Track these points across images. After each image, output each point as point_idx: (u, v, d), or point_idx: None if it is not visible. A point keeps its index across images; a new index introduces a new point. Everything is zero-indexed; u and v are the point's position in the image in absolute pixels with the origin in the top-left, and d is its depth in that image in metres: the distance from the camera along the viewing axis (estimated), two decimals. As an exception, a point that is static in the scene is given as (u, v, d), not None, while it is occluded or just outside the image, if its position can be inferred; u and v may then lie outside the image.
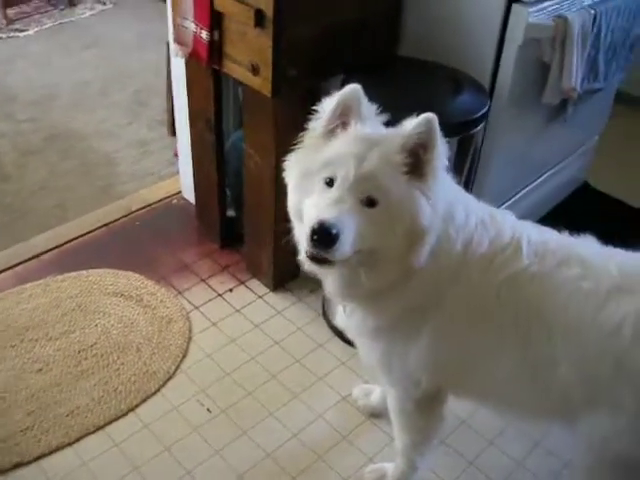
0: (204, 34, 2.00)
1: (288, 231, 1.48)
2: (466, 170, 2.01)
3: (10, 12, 4.54)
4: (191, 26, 2.04)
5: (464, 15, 2.06)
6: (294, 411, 2.02)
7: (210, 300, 2.34)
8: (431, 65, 2.06)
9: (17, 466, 1.87)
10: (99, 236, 2.58)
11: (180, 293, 2.36)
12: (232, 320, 2.28)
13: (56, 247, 2.52)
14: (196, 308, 2.31)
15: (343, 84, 1.52)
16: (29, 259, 2.46)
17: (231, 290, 2.38)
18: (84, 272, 2.41)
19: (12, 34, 4.36)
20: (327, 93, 1.37)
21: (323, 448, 1.93)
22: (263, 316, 2.30)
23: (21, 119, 3.46)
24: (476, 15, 2.04)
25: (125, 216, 2.65)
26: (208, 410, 2.00)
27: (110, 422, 1.97)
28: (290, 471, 1.86)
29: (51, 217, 2.76)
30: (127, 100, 3.66)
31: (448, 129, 1.30)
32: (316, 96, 1.58)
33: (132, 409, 2.01)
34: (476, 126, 1.91)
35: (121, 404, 2.02)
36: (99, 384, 2.07)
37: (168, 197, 2.70)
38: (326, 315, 2.27)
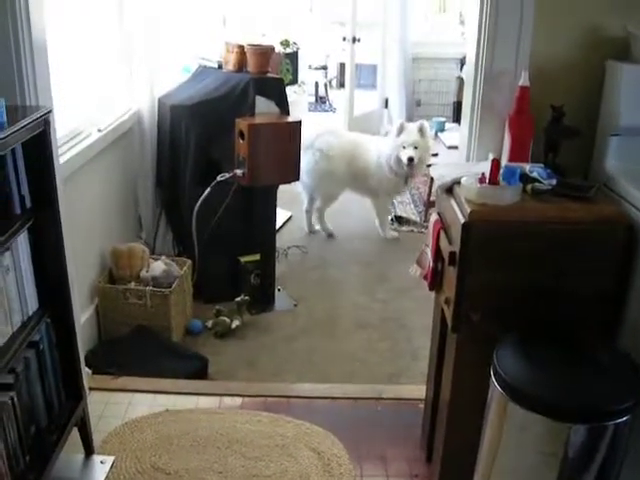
0: (431, 263, 2.32)
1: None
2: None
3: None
4: (428, 253, 2.37)
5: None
6: None
7: (377, 494, 2.52)
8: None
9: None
10: (340, 404, 2.97)
11: (361, 476, 2.58)
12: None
13: (306, 397, 3.00)
14: (362, 495, 2.52)
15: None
16: (282, 396, 2.99)
17: (402, 496, 2.52)
18: (307, 424, 2.80)
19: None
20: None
21: None
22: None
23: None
24: None
25: (374, 398, 2.99)
26: None
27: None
28: None
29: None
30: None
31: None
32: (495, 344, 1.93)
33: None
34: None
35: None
36: (244, 506, 2.43)
37: (417, 400, 2.93)
38: None
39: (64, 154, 3.05)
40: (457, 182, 2.23)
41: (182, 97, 4.00)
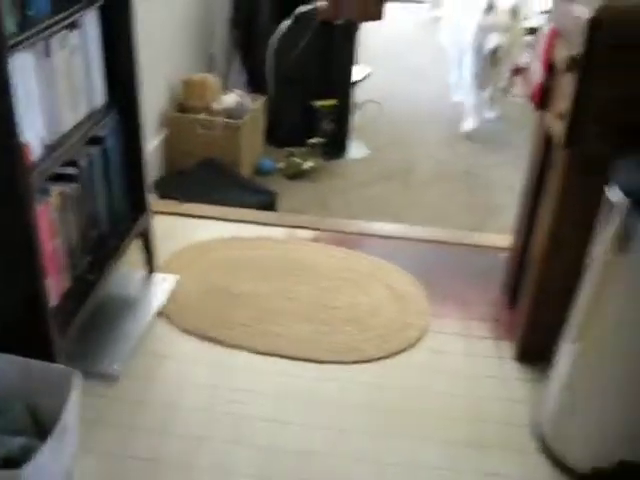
0: (540, 77, 2.06)
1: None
2: None
3: None
4: (535, 68, 2.11)
5: None
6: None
7: (454, 334, 2.34)
8: None
9: (213, 340, 2.22)
10: (418, 246, 2.80)
11: (437, 315, 2.41)
12: (455, 358, 2.25)
13: (383, 236, 2.83)
14: (437, 332, 2.34)
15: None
16: (357, 233, 2.84)
17: (481, 338, 2.32)
18: (382, 260, 2.64)
19: None
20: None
21: None
22: (483, 371, 2.22)
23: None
24: None
25: (455, 244, 2.81)
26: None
27: (299, 359, 2.18)
28: None
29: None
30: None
31: None
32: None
33: (316, 361, 2.18)
34: None
35: (318, 355, 2.20)
36: (314, 332, 2.28)
37: (500, 248, 2.71)
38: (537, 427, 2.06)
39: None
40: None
41: None
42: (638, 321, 1.66)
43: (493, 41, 3.99)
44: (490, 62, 4.13)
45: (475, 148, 4.06)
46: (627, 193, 1.59)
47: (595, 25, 1.73)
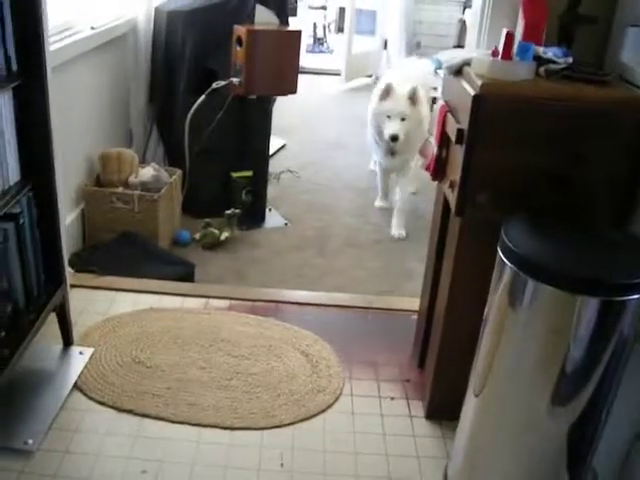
0: (436, 150, 2.21)
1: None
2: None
3: None
4: (433, 142, 2.26)
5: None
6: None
7: (366, 396, 2.43)
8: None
9: (129, 412, 2.25)
10: (330, 311, 2.91)
11: (350, 378, 2.50)
12: (368, 419, 2.33)
13: (296, 303, 2.92)
14: (350, 395, 2.42)
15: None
16: (271, 301, 2.91)
17: (392, 399, 2.43)
18: (296, 328, 2.72)
19: None
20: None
21: None
22: (395, 430, 2.30)
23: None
24: None
25: (365, 308, 2.92)
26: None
27: (213, 427, 2.21)
28: None
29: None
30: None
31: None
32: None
33: (232, 428, 2.23)
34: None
35: (233, 422, 2.25)
36: (229, 399, 2.32)
37: (409, 311, 2.85)
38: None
39: (55, 43, 2.92)
40: (467, 64, 2.12)
41: (180, 4, 3.85)
42: (530, 371, 1.78)
43: (389, 129, 3.85)
44: (389, 150, 4.03)
45: (385, 215, 4.22)
46: (513, 254, 1.72)
47: (479, 101, 1.89)
